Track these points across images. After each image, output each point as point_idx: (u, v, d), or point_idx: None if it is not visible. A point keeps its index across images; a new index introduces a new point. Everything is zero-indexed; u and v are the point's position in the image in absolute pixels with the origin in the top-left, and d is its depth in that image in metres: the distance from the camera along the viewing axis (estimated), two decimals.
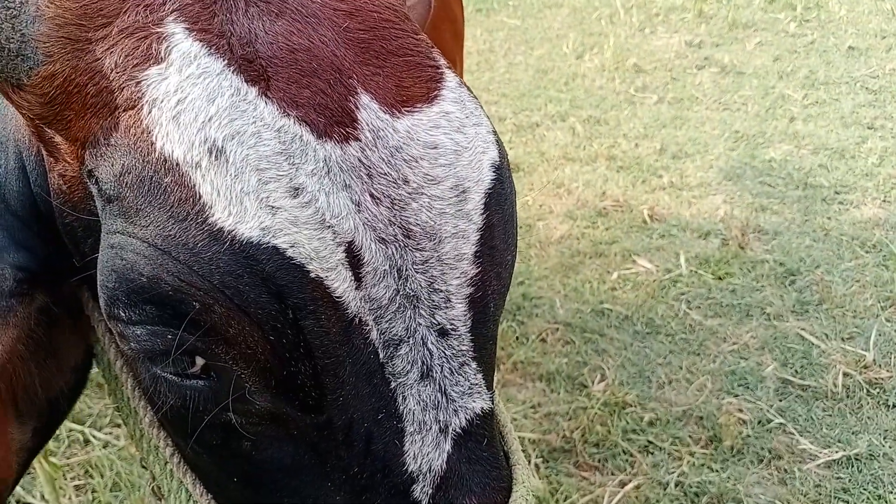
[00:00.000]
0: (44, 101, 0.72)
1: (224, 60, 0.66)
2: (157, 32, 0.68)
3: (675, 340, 3.15)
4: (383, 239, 0.67)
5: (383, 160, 0.67)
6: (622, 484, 2.48)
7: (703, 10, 7.71)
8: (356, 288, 0.67)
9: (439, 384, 0.73)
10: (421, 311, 0.70)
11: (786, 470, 2.51)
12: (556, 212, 4.20)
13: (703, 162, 4.70)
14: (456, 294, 0.72)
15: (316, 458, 0.74)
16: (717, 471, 2.52)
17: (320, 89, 0.67)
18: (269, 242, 0.64)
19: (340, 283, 0.66)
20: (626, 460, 2.58)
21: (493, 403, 0.78)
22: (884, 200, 4.14)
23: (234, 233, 0.64)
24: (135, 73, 0.68)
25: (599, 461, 2.59)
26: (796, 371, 2.93)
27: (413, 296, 0.70)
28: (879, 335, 3.05)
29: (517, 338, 3.19)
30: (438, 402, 0.73)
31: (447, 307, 0.71)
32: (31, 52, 0.71)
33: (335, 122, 0.66)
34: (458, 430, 0.74)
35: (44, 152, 0.81)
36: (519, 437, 2.46)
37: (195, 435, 0.76)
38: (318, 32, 0.69)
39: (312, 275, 0.65)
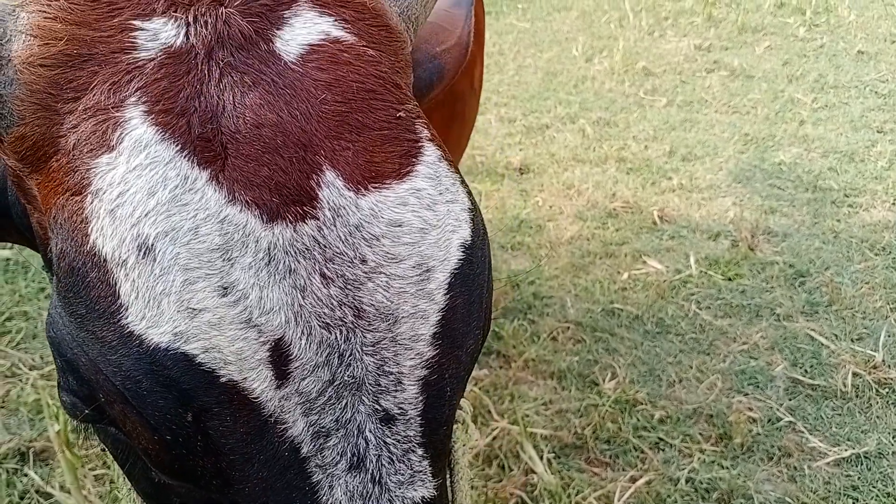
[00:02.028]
0: (18, 159, 0.73)
1: (177, 145, 0.65)
2: (115, 117, 0.67)
3: (685, 340, 3.18)
4: (327, 324, 0.65)
5: (340, 239, 0.65)
6: (633, 479, 2.50)
7: (713, 14, 7.73)
8: (277, 387, 0.64)
9: (372, 474, 0.69)
10: (363, 397, 0.67)
11: (795, 467, 2.54)
12: (567, 213, 4.23)
13: (712, 164, 4.73)
14: (408, 376, 0.69)
15: None
16: (727, 468, 2.55)
17: (281, 167, 0.65)
18: (178, 348, 0.62)
19: (259, 383, 0.64)
20: (637, 457, 2.61)
21: (436, 491, 0.73)
22: (893, 203, 4.16)
23: (142, 337, 0.63)
24: (86, 160, 0.67)
25: (610, 457, 2.62)
26: (806, 371, 2.95)
27: (354, 382, 0.67)
28: (889, 336, 3.07)
29: (529, 336, 3.22)
30: (369, 493, 0.69)
31: (397, 390, 0.68)
32: (7, 111, 0.71)
33: (291, 202, 0.65)
34: None
35: (23, 200, 0.80)
36: (531, 433, 2.50)
37: (126, 471, 0.78)
38: (290, 106, 0.67)
39: (224, 379, 0.63)
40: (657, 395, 2.88)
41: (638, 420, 2.76)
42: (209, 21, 0.70)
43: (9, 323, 3.30)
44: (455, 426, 0.94)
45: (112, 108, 0.67)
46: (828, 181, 4.44)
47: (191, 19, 0.70)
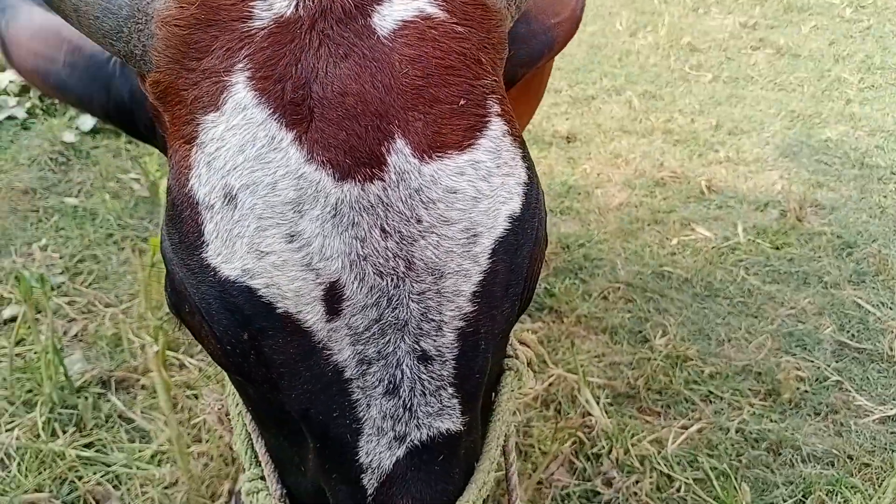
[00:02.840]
0: (154, 97, 0.84)
1: (270, 109, 0.73)
2: (224, 80, 0.76)
3: (733, 303, 3.27)
4: (381, 272, 0.73)
5: (401, 200, 0.72)
6: (685, 427, 2.62)
7: None
8: (328, 320, 0.74)
9: (405, 402, 0.78)
10: (405, 336, 0.76)
11: (842, 423, 2.63)
12: (615, 180, 4.31)
13: (759, 139, 4.77)
14: (448, 325, 0.76)
15: (292, 425, 0.85)
16: (775, 421, 2.65)
17: (357, 132, 0.72)
18: (244, 282, 0.73)
19: (311, 316, 0.73)
20: (688, 407, 2.72)
21: (463, 426, 0.82)
22: None
23: (217, 270, 0.74)
24: (198, 115, 0.77)
25: (662, 407, 2.73)
26: (853, 335, 3.04)
27: (398, 323, 0.75)
28: None
29: (580, 294, 3.33)
30: (400, 416, 0.78)
31: (436, 335, 0.76)
32: (148, 58, 0.81)
33: (362, 164, 0.72)
34: (416, 441, 0.80)
35: (160, 128, 0.92)
36: (586, 382, 2.61)
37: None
38: (374, 78, 0.74)
39: (280, 310, 0.73)
40: (707, 352, 2.98)
41: (688, 374, 2.86)
42: None
43: (81, 265, 3.46)
44: (508, 373, 1.04)
45: (223, 71, 0.76)
46: (874, 158, 4.48)
47: None
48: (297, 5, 0.77)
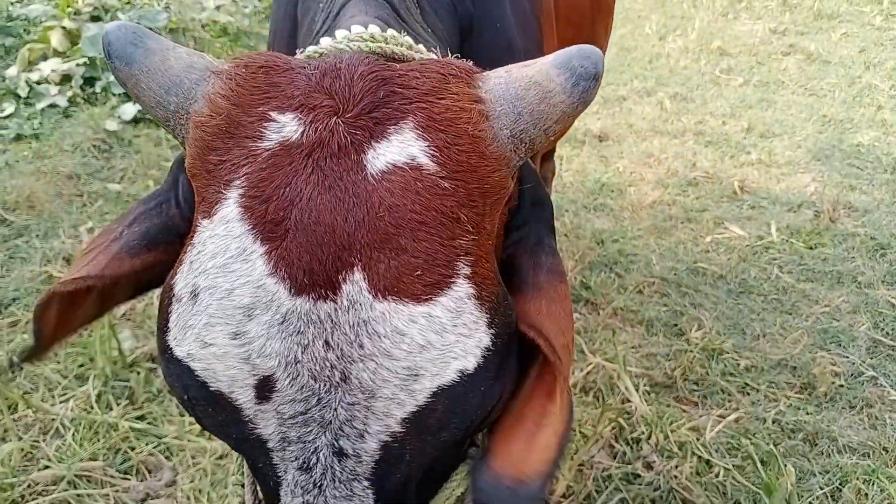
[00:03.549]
0: (188, 175, 0.94)
1: (250, 225, 0.81)
2: (221, 194, 0.84)
3: (767, 300, 3.30)
4: (315, 377, 0.79)
5: (349, 323, 0.77)
6: (722, 417, 2.66)
7: None
8: (257, 403, 0.81)
9: (315, 481, 0.84)
10: (327, 433, 0.81)
11: (877, 417, 2.67)
12: (647, 179, 4.36)
13: (790, 142, 4.81)
14: (371, 436, 0.81)
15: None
16: (811, 413, 2.69)
17: (319, 258, 0.78)
18: (187, 363, 0.83)
19: (241, 397, 0.82)
20: (725, 398, 2.76)
21: None
22: None
23: (170, 348, 0.85)
24: (198, 217, 0.87)
25: (699, 397, 2.77)
26: (887, 333, 3.07)
27: (323, 421, 0.80)
28: None
29: (616, 287, 3.38)
30: (311, 490, 0.84)
31: (357, 440, 0.81)
32: (183, 145, 0.93)
33: (318, 285, 0.78)
34: None
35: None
36: (625, 370, 2.66)
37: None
38: (350, 213, 0.79)
39: (213, 388, 0.83)
40: (742, 346, 3.02)
41: (724, 366, 2.91)
42: (320, 126, 0.83)
43: None
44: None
45: (223, 184, 0.85)
46: None
47: (309, 120, 0.84)
48: (302, 133, 0.84)
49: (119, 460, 2.53)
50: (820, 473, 2.46)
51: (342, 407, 0.80)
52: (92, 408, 2.69)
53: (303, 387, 0.80)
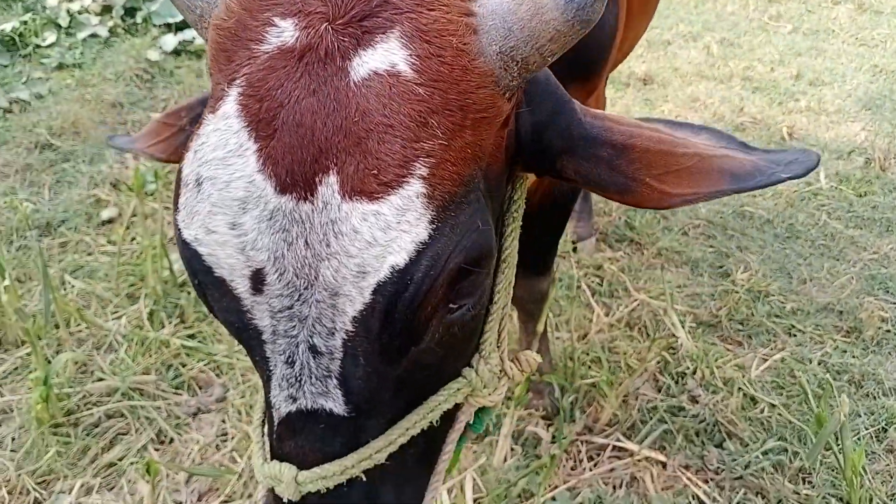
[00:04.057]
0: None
1: (245, 122, 0.86)
2: (224, 91, 0.89)
3: (815, 245, 3.27)
4: (296, 274, 0.85)
5: (321, 224, 0.83)
6: (767, 357, 2.66)
7: None
8: (252, 294, 0.88)
9: (297, 374, 0.91)
10: (305, 329, 0.88)
11: None
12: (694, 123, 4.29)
13: (840, 91, 4.69)
14: (335, 334, 0.87)
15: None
16: (857, 356, 2.67)
17: (300, 159, 0.83)
18: (195, 246, 0.89)
19: (240, 287, 0.88)
20: (770, 339, 2.75)
21: (348, 413, 0.93)
22: None
23: (181, 230, 0.90)
24: (207, 112, 0.92)
25: (744, 337, 2.77)
26: None
27: (303, 316, 0.87)
28: None
29: (660, 228, 3.35)
30: (293, 383, 0.92)
31: (326, 338, 0.88)
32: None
33: (298, 186, 0.83)
34: (303, 406, 0.93)
35: None
36: (672, 306, 2.65)
37: None
38: (330, 117, 0.83)
39: (216, 274, 0.89)
40: (788, 289, 3.00)
41: (770, 308, 2.89)
42: (311, 32, 0.87)
43: (170, 175, 3.54)
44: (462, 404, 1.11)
45: (227, 83, 0.90)
46: None
47: (303, 26, 0.88)
48: (296, 38, 0.88)
49: (171, 375, 2.58)
50: (865, 414, 2.46)
51: (314, 304, 0.86)
52: (143, 325, 2.74)
53: (287, 283, 0.86)
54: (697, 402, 2.43)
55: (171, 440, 2.39)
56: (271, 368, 0.93)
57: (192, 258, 0.90)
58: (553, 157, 1.04)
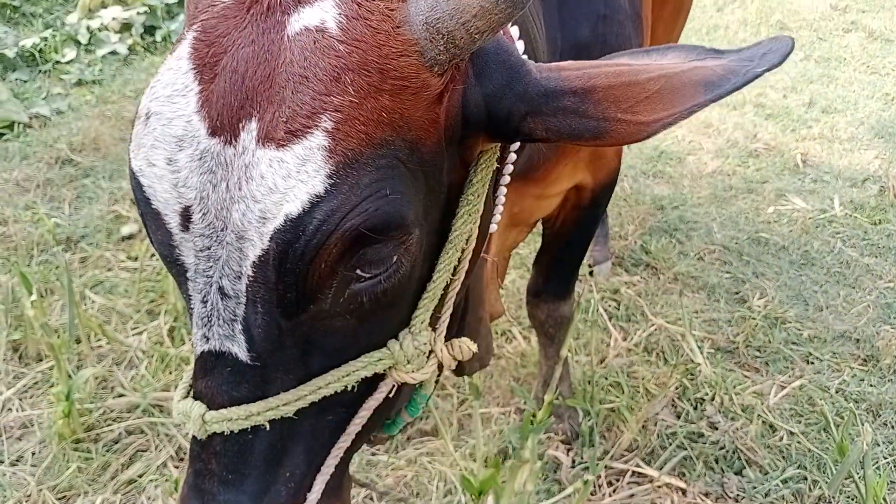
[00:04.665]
0: None
1: (193, 64, 0.91)
2: (184, 34, 0.95)
3: (830, 273, 3.28)
4: (216, 215, 0.90)
5: (239, 168, 0.88)
6: (785, 384, 2.66)
7: None
8: (181, 230, 0.92)
9: (208, 314, 0.95)
10: (218, 269, 0.92)
11: None
12: (706, 149, 4.32)
13: (853, 118, 4.72)
14: (240, 278, 0.91)
15: None
16: (874, 385, 2.68)
17: (230, 105, 0.88)
18: (137, 176, 0.93)
19: (171, 222, 0.92)
20: (788, 366, 2.76)
21: (251, 360, 0.97)
22: None
23: (130, 159, 0.95)
24: (168, 52, 0.98)
25: (761, 364, 2.77)
26: None
27: (216, 258, 0.92)
28: None
29: (676, 253, 3.37)
30: (206, 322, 0.96)
31: (232, 281, 0.92)
32: None
33: (226, 130, 0.88)
34: (213, 346, 0.97)
35: None
36: (690, 331, 2.66)
37: None
38: (259, 67, 0.89)
39: (153, 205, 0.93)
40: (805, 316, 3.01)
41: (787, 335, 2.90)
42: None
43: None
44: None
45: (187, 27, 0.95)
46: None
47: None
48: None
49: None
50: (884, 443, 2.46)
51: (225, 247, 0.91)
52: (163, 341, 2.76)
53: (209, 224, 0.90)
54: (717, 429, 2.44)
55: None
56: (192, 306, 0.97)
57: (136, 188, 0.95)
58: (517, 122, 1.03)
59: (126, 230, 3.36)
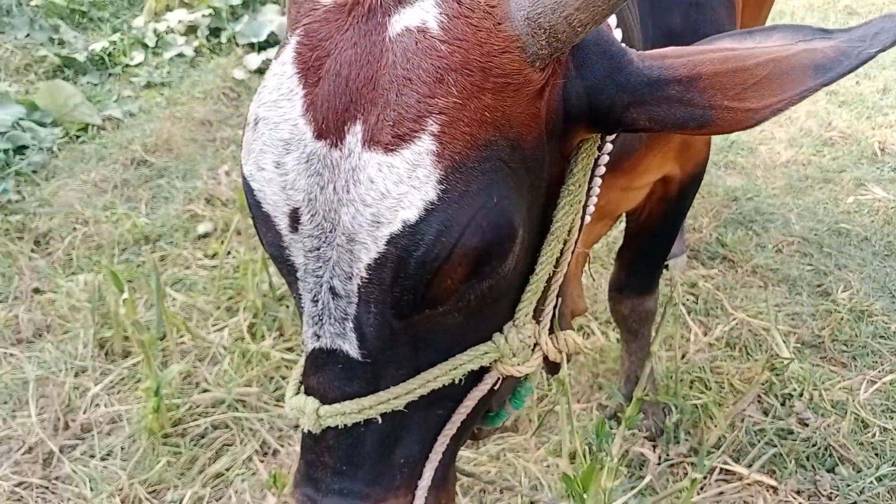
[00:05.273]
0: None
1: (298, 69, 0.92)
2: (287, 41, 0.96)
3: None
4: (324, 217, 0.90)
5: (346, 170, 0.88)
6: (875, 379, 2.58)
7: None
8: (290, 232, 0.94)
9: (319, 313, 0.96)
10: (329, 269, 0.93)
11: None
12: (779, 138, 4.21)
13: None
14: (351, 279, 0.92)
15: None
16: None
17: (335, 107, 0.88)
18: (249, 181, 0.95)
19: (280, 224, 0.94)
20: (876, 360, 2.67)
21: (363, 357, 0.98)
22: None
23: (242, 165, 0.97)
24: (273, 59, 0.98)
25: (848, 358, 2.69)
26: None
27: (327, 258, 0.93)
28: None
29: (753, 246, 3.29)
30: (317, 321, 0.97)
31: (344, 282, 0.92)
32: None
33: (331, 133, 0.88)
34: (324, 345, 0.98)
35: None
36: (765, 328, 2.59)
37: None
38: (363, 69, 0.88)
39: (264, 208, 0.95)
40: (892, 309, 2.91)
41: (875, 328, 2.81)
42: None
43: None
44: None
45: (291, 33, 0.96)
46: None
47: None
48: None
49: (272, 387, 2.64)
50: None
51: (335, 248, 0.91)
52: (244, 338, 2.81)
53: (317, 225, 0.91)
54: (807, 426, 2.37)
55: (276, 452, 2.44)
56: (303, 305, 0.99)
57: (247, 192, 0.97)
58: (620, 112, 1.00)
59: (202, 228, 3.42)
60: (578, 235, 1.17)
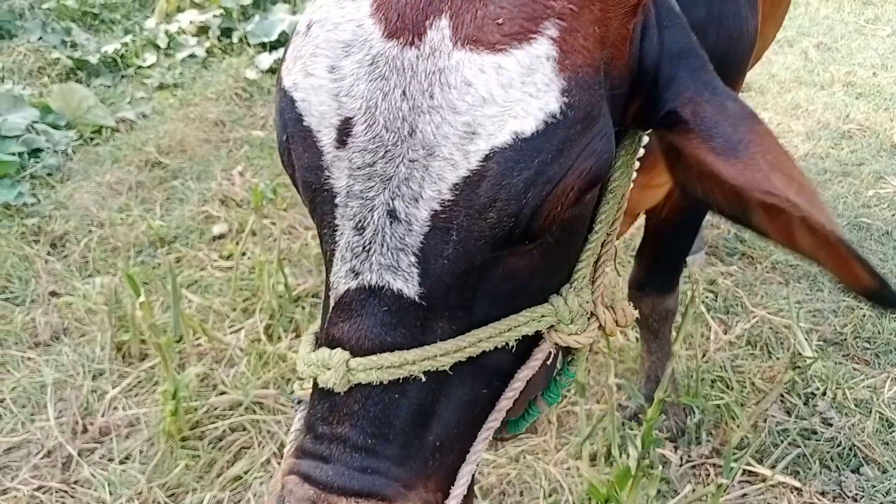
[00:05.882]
0: None
1: None
2: None
3: None
4: (387, 127, 0.79)
5: (425, 72, 0.77)
6: None
7: None
8: (335, 147, 0.83)
9: (365, 243, 0.84)
10: (386, 190, 0.81)
11: None
12: (796, 131, 4.16)
13: None
14: (423, 201, 0.80)
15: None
16: None
17: (414, 2, 0.79)
18: (290, 93, 0.85)
19: (324, 138, 0.83)
20: None
21: (419, 297, 0.84)
22: None
23: (282, 77, 0.88)
24: None
25: (871, 356, 2.65)
26: None
27: (385, 176, 0.81)
28: None
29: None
30: (359, 254, 0.85)
31: (410, 203, 0.81)
32: None
33: (407, 29, 0.78)
34: (365, 282, 0.85)
35: None
36: (786, 326, 2.56)
37: None
38: None
39: (305, 123, 0.84)
40: None
41: None
42: None
43: (277, 190, 3.61)
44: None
45: None
46: None
47: None
48: None
49: (289, 389, 2.62)
50: None
51: (404, 164, 0.80)
52: (261, 339, 2.80)
53: (375, 136, 0.80)
54: (831, 425, 2.34)
55: None
56: (337, 238, 0.87)
57: (285, 108, 0.87)
58: (672, 99, 0.92)
59: (217, 230, 3.42)
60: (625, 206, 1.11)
